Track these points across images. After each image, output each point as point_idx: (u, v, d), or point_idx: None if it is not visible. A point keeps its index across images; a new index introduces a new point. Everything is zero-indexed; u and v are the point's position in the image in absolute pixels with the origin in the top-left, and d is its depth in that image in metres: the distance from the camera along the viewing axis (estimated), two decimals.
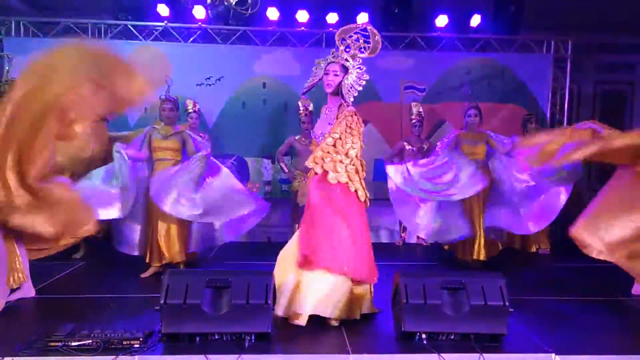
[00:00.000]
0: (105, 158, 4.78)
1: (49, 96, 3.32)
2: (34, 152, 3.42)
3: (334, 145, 3.51)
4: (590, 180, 7.30)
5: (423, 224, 5.16)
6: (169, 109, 4.93)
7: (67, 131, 3.49)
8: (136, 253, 4.99)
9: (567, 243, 5.05)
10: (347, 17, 6.68)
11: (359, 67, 3.62)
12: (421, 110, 6.14)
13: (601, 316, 3.91)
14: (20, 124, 3.34)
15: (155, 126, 4.95)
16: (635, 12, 6.32)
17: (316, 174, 3.58)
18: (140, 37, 6.91)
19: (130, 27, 6.87)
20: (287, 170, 6.16)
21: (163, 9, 6.77)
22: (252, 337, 3.09)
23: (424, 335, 3.15)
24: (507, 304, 3.11)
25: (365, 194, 3.65)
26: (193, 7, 6.62)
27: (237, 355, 2.93)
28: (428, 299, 3.12)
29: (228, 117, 6.97)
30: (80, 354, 2.89)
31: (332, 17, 6.91)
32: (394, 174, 4.99)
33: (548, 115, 7.22)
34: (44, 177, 3.55)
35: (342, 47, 3.61)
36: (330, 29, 6.80)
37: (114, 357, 2.88)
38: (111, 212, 4.65)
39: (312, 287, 3.43)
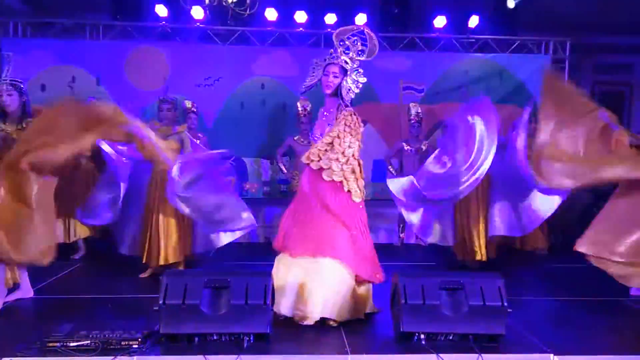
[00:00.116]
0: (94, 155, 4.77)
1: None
2: None
3: (331, 144, 3.53)
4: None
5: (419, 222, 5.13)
6: (167, 109, 4.94)
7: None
8: (137, 254, 4.99)
9: (565, 243, 5.09)
10: (346, 18, 6.70)
11: (357, 70, 3.63)
12: (419, 110, 6.14)
13: (600, 316, 3.92)
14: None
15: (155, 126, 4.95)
16: (633, 13, 6.35)
17: (311, 170, 3.59)
18: (139, 38, 6.91)
19: (128, 27, 6.87)
20: (285, 171, 6.17)
21: (161, 10, 6.77)
22: (251, 338, 3.09)
23: (422, 336, 3.15)
24: (505, 304, 3.11)
25: (361, 194, 3.63)
26: (191, 8, 6.62)
27: (236, 356, 2.92)
28: (427, 299, 3.12)
29: (227, 117, 6.97)
30: (78, 354, 2.88)
31: (330, 18, 6.92)
32: (397, 190, 4.99)
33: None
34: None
35: (340, 49, 3.62)
36: (329, 30, 6.80)
37: (112, 357, 2.87)
38: (105, 217, 4.80)
39: (317, 290, 3.44)
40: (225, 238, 5.05)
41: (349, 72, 3.59)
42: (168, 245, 4.82)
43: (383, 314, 3.67)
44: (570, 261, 4.33)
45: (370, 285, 3.73)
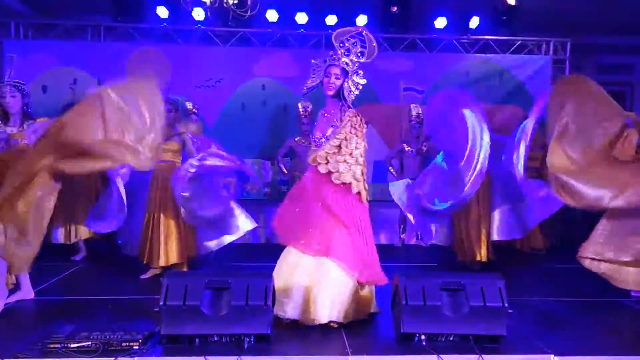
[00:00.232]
0: None
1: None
2: None
3: (339, 146, 3.54)
4: None
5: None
6: (168, 111, 4.93)
7: None
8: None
9: (565, 243, 5.08)
10: (346, 19, 6.71)
11: (357, 72, 3.63)
12: (420, 111, 6.14)
13: (600, 317, 3.91)
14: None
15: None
16: (634, 13, 6.34)
17: (315, 172, 3.58)
18: (140, 39, 6.92)
19: (130, 29, 6.88)
20: (286, 172, 6.17)
21: (162, 11, 6.78)
22: (252, 339, 3.09)
23: (423, 337, 3.15)
24: (506, 305, 3.11)
25: (367, 195, 3.66)
26: (192, 9, 6.63)
27: (237, 357, 2.93)
28: (427, 300, 3.12)
29: (228, 118, 6.98)
30: (79, 355, 2.89)
31: (331, 19, 6.93)
32: (397, 195, 4.98)
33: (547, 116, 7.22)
34: None
35: (341, 51, 3.62)
36: (330, 31, 6.73)
37: (113, 358, 2.87)
38: (114, 223, 4.91)
39: (323, 293, 3.44)
40: (227, 238, 5.08)
41: (350, 74, 3.60)
42: (169, 246, 4.82)
43: (384, 314, 3.68)
44: (570, 261, 4.32)
45: (373, 286, 3.73)
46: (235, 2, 5.84)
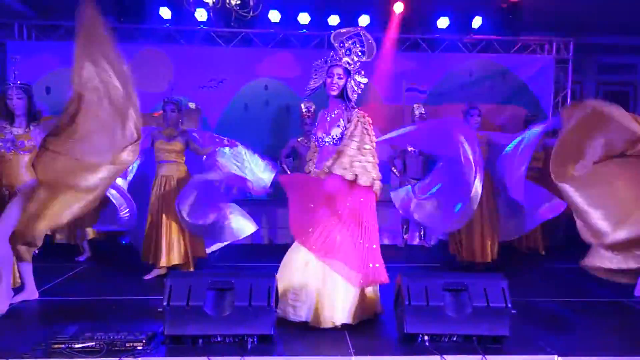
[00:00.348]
0: None
1: None
2: None
3: (358, 149, 3.53)
4: None
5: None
6: (171, 111, 4.96)
7: None
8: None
9: (564, 244, 5.05)
10: (349, 19, 6.71)
11: (359, 71, 3.64)
12: (423, 111, 6.14)
13: (604, 318, 3.91)
14: None
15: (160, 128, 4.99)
16: (637, 13, 6.33)
17: (344, 180, 3.51)
18: (143, 40, 6.93)
19: (132, 30, 6.89)
20: (289, 172, 6.17)
21: (165, 12, 6.79)
22: (255, 339, 3.10)
23: (426, 337, 3.15)
24: (509, 305, 3.11)
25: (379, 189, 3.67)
26: (195, 10, 6.64)
27: (240, 357, 2.94)
28: (430, 300, 3.12)
29: (230, 119, 6.98)
30: (83, 356, 2.90)
31: (333, 20, 6.92)
32: (399, 202, 4.97)
33: (550, 116, 7.22)
34: None
35: (342, 51, 3.63)
36: (332, 31, 6.78)
37: (117, 359, 2.89)
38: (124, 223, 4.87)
39: (334, 296, 3.44)
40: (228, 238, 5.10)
41: (352, 73, 3.61)
42: (173, 247, 4.83)
43: (387, 315, 3.68)
44: (571, 261, 4.32)
45: (378, 286, 3.73)
46: (238, 2, 5.84)
